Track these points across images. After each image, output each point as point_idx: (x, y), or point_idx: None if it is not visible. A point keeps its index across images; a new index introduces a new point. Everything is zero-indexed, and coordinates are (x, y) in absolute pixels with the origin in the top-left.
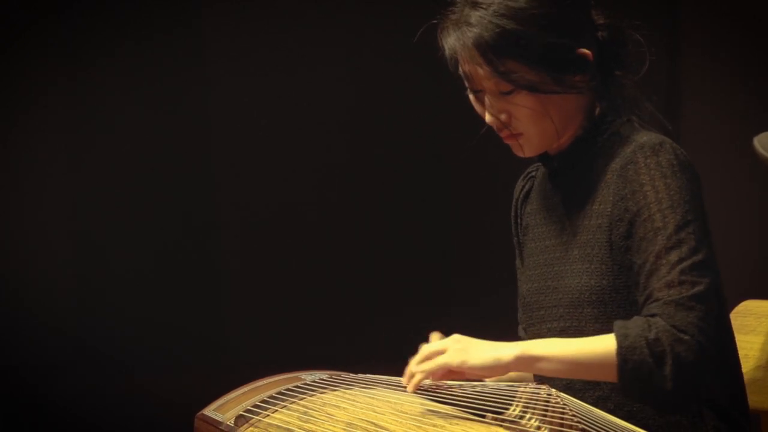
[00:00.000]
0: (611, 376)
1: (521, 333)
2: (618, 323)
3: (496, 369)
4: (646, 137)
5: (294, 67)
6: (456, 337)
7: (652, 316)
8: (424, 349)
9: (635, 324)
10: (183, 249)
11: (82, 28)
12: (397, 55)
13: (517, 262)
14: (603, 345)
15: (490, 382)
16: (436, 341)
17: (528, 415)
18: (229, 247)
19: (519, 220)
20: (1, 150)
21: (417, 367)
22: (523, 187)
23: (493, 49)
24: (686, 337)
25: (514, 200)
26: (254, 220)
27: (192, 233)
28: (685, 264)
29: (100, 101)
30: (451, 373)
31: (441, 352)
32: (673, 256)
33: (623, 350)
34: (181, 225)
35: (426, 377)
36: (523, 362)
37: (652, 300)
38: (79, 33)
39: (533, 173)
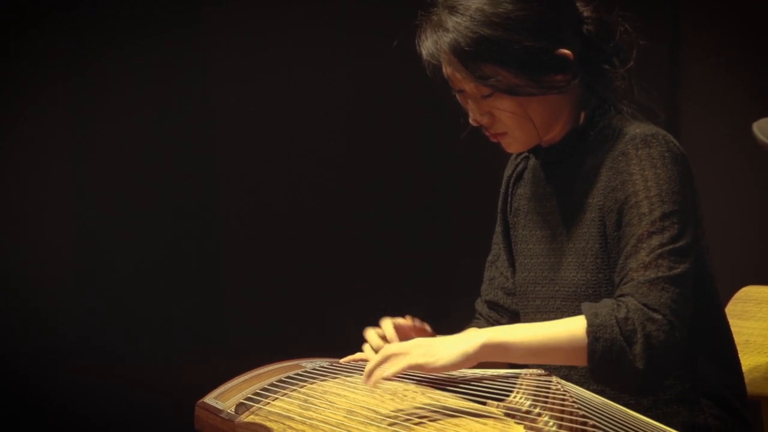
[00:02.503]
0: (581, 358)
1: (480, 307)
2: (586, 304)
3: (465, 363)
4: (638, 129)
5: (298, 66)
6: (417, 341)
7: (623, 296)
8: (386, 350)
9: (604, 304)
10: (185, 239)
11: (84, 28)
12: (400, 53)
13: (495, 237)
14: (572, 326)
15: (490, 370)
16: (396, 343)
17: (529, 402)
18: (231, 238)
19: (509, 199)
20: (4, 149)
21: (379, 369)
22: (517, 165)
23: (470, 54)
24: (658, 316)
25: (505, 176)
26: (256, 211)
27: (194, 226)
28: (664, 249)
29: (103, 99)
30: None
31: (403, 354)
32: (654, 241)
33: (594, 329)
34: (184, 218)
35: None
36: (490, 351)
37: (626, 281)
38: (82, 33)
39: (527, 154)
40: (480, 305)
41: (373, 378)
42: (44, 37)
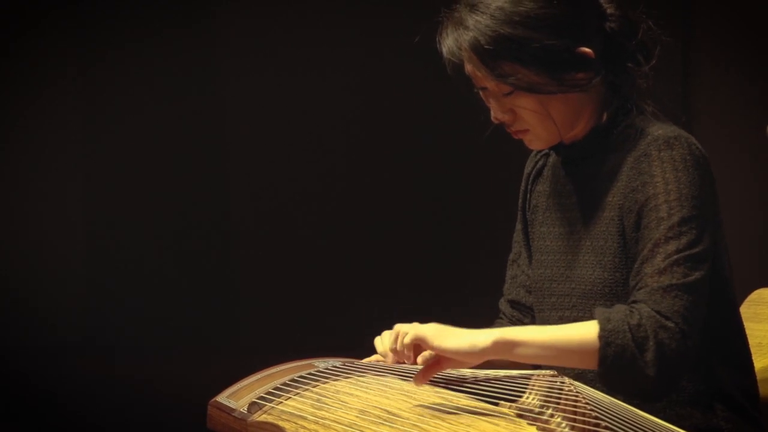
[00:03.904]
0: (592, 363)
1: (503, 306)
2: (600, 309)
3: (473, 354)
4: (661, 130)
5: (308, 66)
6: (433, 324)
7: (636, 302)
8: (399, 326)
9: (618, 310)
10: (194, 238)
11: (92, 26)
12: (410, 54)
13: (516, 235)
14: (584, 330)
15: (503, 371)
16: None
17: (542, 403)
18: (241, 236)
19: (528, 196)
20: (9, 148)
21: (395, 344)
22: (536, 162)
23: (490, 53)
24: (670, 324)
25: (525, 174)
26: (266, 211)
27: (203, 224)
28: (681, 255)
29: (111, 98)
30: (436, 365)
31: (414, 327)
32: (671, 246)
33: (606, 334)
34: (192, 217)
35: (405, 357)
36: (500, 348)
37: (641, 286)
38: (89, 31)
39: (548, 151)
40: (503, 304)
41: (390, 358)
42: (50, 35)
